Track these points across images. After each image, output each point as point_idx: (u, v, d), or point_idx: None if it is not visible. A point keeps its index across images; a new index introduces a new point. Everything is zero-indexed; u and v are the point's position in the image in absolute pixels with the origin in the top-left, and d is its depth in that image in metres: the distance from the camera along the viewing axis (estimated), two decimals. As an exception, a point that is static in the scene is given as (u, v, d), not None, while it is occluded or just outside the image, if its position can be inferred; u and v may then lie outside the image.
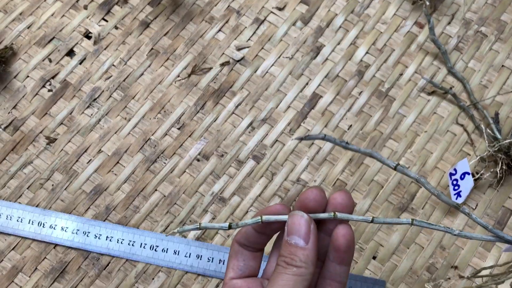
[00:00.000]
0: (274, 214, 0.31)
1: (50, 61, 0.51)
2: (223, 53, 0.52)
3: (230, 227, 0.32)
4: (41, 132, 0.49)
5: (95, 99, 0.50)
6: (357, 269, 0.45)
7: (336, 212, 0.31)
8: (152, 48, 0.52)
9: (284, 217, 0.31)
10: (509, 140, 0.45)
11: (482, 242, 0.45)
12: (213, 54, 0.51)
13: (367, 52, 0.51)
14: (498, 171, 0.45)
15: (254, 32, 0.52)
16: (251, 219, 0.31)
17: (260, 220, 0.31)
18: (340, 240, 0.30)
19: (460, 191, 0.45)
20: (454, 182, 0.45)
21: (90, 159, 0.48)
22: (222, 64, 0.51)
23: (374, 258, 0.45)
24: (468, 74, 0.51)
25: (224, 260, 0.45)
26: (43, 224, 0.45)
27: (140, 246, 0.45)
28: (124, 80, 0.50)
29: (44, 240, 0.45)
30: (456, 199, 0.45)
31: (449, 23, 0.52)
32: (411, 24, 0.52)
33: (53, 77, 0.51)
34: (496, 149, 0.45)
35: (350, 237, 0.30)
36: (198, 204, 0.47)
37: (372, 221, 0.31)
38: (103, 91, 0.50)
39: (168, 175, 0.47)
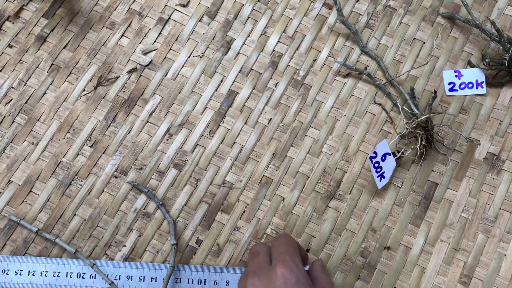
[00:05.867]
0: None
1: None
2: (129, 60, 0.49)
3: None
4: None
5: (-3, 127, 0.46)
6: (292, 265, 0.44)
7: None
8: (52, 64, 0.48)
9: None
10: (425, 116, 0.45)
11: (411, 219, 0.45)
12: (118, 62, 0.49)
13: (278, 41, 0.50)
14: (418, 148, 0.45)
15: (160, 33, 0.50)
16: None
17: None
18: None
19: (383, 172, 0.45)
20: (376, 165, 0.45)
21: (0, 192, 0.45)
22: (130, 71, 0.48)
23: (308, 250, 0.45)
24: (381, 51, 0.50)
25: (156, 277, 0.43)
26: (-43, 269, 0.42)
27: (66, 276, 0.43)
28: (26, 102, 0.47)
29: (-40, 286, 0.42)
30: (380, 180, 0.45)
31: (357, 1, 0.51)
32: (320, 6, 0.51)
33: None
34: (414, 125, 0.45)
35: None
36: (122, 223, 0.45)
37: None
38: (4, 116, 0.47)
39: (86, 197, 0.45)
